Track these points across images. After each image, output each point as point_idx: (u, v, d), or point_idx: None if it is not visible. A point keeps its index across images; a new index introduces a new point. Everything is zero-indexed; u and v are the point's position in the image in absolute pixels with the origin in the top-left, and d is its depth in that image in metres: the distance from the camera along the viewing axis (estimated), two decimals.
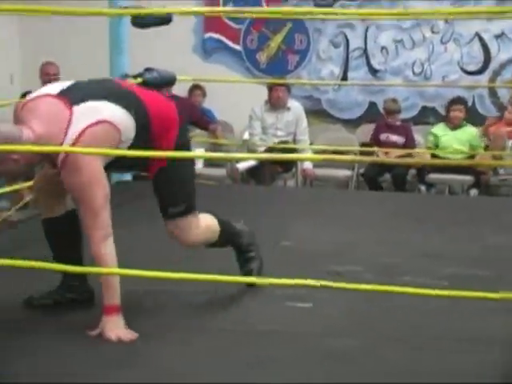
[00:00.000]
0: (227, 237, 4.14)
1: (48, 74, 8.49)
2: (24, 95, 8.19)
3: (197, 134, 8.64)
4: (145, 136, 3.57)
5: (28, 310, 3.80)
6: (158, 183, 3.82)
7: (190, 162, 4.02)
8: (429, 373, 3.21)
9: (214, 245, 4.11)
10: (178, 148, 3.68)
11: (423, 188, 8.48)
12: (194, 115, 8.64)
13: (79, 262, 3.87)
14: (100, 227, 3.46)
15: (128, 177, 6.96)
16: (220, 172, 8.65)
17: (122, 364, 3.20)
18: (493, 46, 8.89)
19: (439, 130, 8.56)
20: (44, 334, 3.53)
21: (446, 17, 8.65)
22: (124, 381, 3.02)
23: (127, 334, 3.45)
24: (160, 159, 3.72)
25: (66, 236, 3.91)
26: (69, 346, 3.36)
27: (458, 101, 8.60)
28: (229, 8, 9.19)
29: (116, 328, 3.46)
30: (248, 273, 4.13)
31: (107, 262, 3.46)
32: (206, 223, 3.96)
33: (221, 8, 9.26)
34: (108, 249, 3.47)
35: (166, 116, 3.69)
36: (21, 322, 3.70)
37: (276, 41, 9.46)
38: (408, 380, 3.12)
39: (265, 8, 9.13)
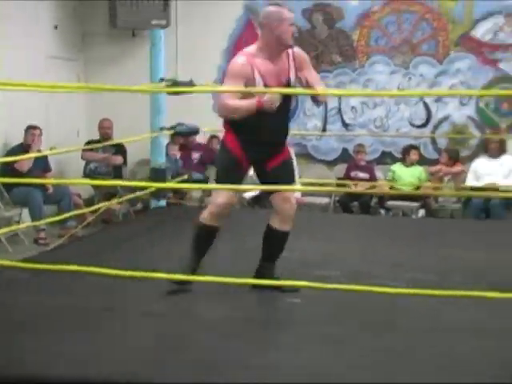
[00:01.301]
0: None
1: (103, 128, 8.61)
2: (88, 143, 8.34)
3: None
4: None
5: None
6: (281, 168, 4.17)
7: None
8: (399, 351, 3.25)
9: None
10: None
11: (383, 212, 8.49)
12: (214, 157, 8.78)
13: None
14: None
15: (163, 203, 7.03)
16: None
17: None
18: (433, 107, 8.89)
19: (397, 167, 8.60)
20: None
21: (418, 97, 8.85)
22: None
23: None
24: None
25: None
26: None
27: (414, 147, 8.66)
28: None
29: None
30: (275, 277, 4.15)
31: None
32: None
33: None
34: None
35: None
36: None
37: None
38: (381, 357, 3.16)
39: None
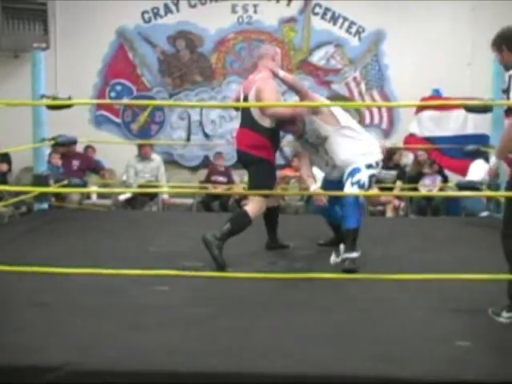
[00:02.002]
0: None
1: None
2: None
3: (92, 177, 8.65)
4: None
5: None
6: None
7: None
8: (247, 329, 3.32)
9: None
10: None
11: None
12: (91, 164, 8.70)
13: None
14: None
15: (45, 206, 6.87)
16: (108, 202, 8.58)
17: None
18: None
19: None
20: None
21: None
22: None
23: None
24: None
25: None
26: None
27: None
28: (112, 101, 9.27)
29: None
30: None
31: None
32: None
33: (108, 100, 9.32)
34: None
35: None
36: None
37: (144, 116, 9.41)
38: (237, 336, 3.22)
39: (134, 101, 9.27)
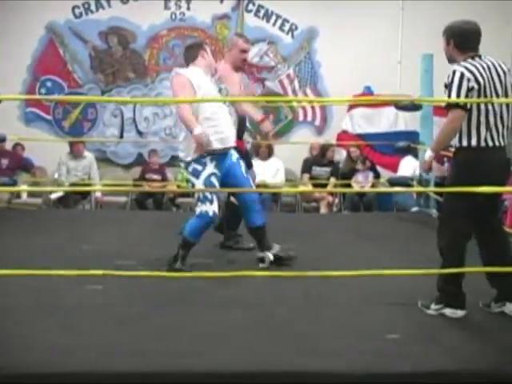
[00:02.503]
0: None
1: None
2: None
3: (23, 176, 8.46)
4: None
5: None
6: None
7: None
8: (181, 325, 3.37)
9: None
10: None
11: (174, 209, 8.51)
12: (21, 162, 8.48)
13: None
14: None
15: None
16: (38, 200, 8.37)
17: None
18: None
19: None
20: None
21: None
22: None
23: None
24: None
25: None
26: None
27: None
28: (42, 96, 9.09)
29: None
30: None
31: None
32: None
33: (38, 96, 9.14)
34: None
35: None
36: None
37: (75, 113, 9.26)
38: (165, 331, 3.22)
39: (63, 96, 9.09)
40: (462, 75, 3.41)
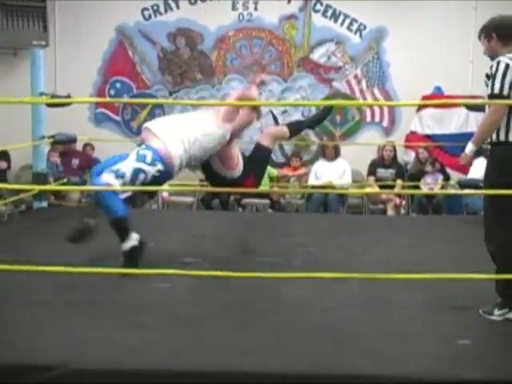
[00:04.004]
0: None
1: None
2: None
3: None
4: None
5: None
6: None
7: None
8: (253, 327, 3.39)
9: None
10: None
11: (240, 209, 8.51)
12: (91, 163, 8.64)
13: None
14: None
15: (45, 204, 6.87)
16: None
17: None
18: (280, 118, 9.09)
19: None
20: None
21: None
22: None
23: None
24: None
25: None
26: None
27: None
28: (111, 99, 9.26)
29: None
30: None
31: None
32: None
33: (108, 99, 9.31)
34: None
35: None
36: None
37: (143, 113, 9.37)
38: (236, 334, 3.26)
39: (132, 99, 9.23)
40: (507, 66, 3.36)
